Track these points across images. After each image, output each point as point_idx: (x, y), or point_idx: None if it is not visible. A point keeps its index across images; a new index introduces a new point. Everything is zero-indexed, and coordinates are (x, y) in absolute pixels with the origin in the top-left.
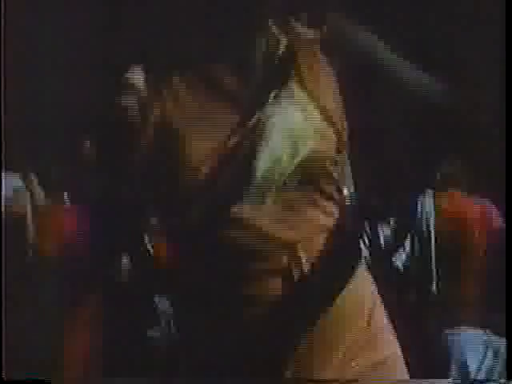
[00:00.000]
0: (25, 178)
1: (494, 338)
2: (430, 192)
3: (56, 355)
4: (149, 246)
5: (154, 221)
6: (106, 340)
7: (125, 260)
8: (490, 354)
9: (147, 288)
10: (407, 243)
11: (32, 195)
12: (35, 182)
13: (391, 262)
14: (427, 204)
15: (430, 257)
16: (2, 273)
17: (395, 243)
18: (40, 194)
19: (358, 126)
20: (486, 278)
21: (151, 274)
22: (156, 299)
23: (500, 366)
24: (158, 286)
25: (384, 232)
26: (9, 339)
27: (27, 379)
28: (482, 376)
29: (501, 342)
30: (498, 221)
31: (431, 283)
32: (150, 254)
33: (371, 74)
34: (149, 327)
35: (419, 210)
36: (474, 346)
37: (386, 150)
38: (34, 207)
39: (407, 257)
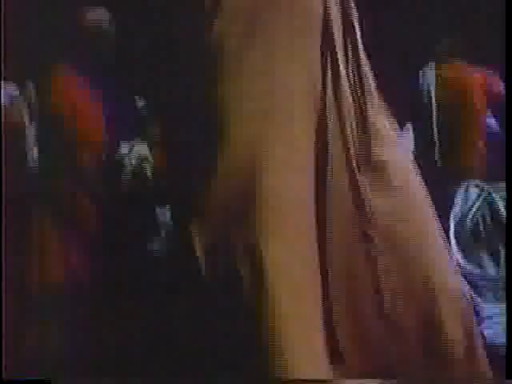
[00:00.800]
0: (22, 87)
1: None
2: (431, 64)
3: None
4: (149, 156)
5: (156, 131)
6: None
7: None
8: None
9: (148, 198)
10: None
11: (29, 104)
12: (33, 91)
13: None
14: (428, 75)
15: (432, 128)
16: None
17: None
18: (37, 103)
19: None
20: (487, 147)
21: (152, 184)
22: (157, 210)
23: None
24: (158, 196)
25: None
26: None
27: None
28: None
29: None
30: (499, 88)
31: (434, 154)
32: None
33: None
34: (149, 239)
35: (420, 81)
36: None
37: (387, 22)
38: (32, 116)
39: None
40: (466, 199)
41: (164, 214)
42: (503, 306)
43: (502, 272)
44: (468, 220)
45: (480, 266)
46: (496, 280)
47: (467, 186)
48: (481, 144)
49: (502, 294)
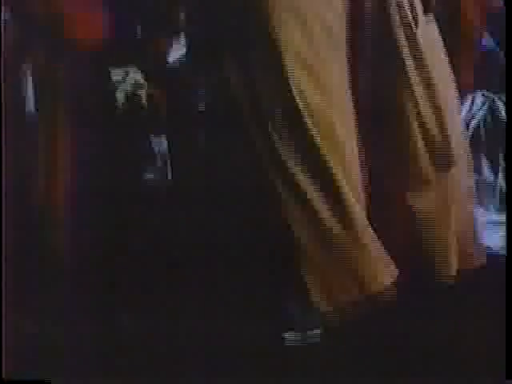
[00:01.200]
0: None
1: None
2: None
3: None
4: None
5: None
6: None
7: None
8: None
9: (144, 127)
10: None
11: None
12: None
13: None
14: None
15: None
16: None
17: None
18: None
19: None
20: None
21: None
22: (152, 139)
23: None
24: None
25: None
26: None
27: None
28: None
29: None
30: (498, 2)
31: None
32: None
33: None
34: (145, 168)
35: None
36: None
37: None
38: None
39: None
40: (470, 108)
41: (160, 144)
42: (503, 215)
43: (501, 181)
44: (470, 127)
45: (479, 172)
46: (495, 187)
47: (473, 97)
48: (479, 58)
49: (502, 202)
